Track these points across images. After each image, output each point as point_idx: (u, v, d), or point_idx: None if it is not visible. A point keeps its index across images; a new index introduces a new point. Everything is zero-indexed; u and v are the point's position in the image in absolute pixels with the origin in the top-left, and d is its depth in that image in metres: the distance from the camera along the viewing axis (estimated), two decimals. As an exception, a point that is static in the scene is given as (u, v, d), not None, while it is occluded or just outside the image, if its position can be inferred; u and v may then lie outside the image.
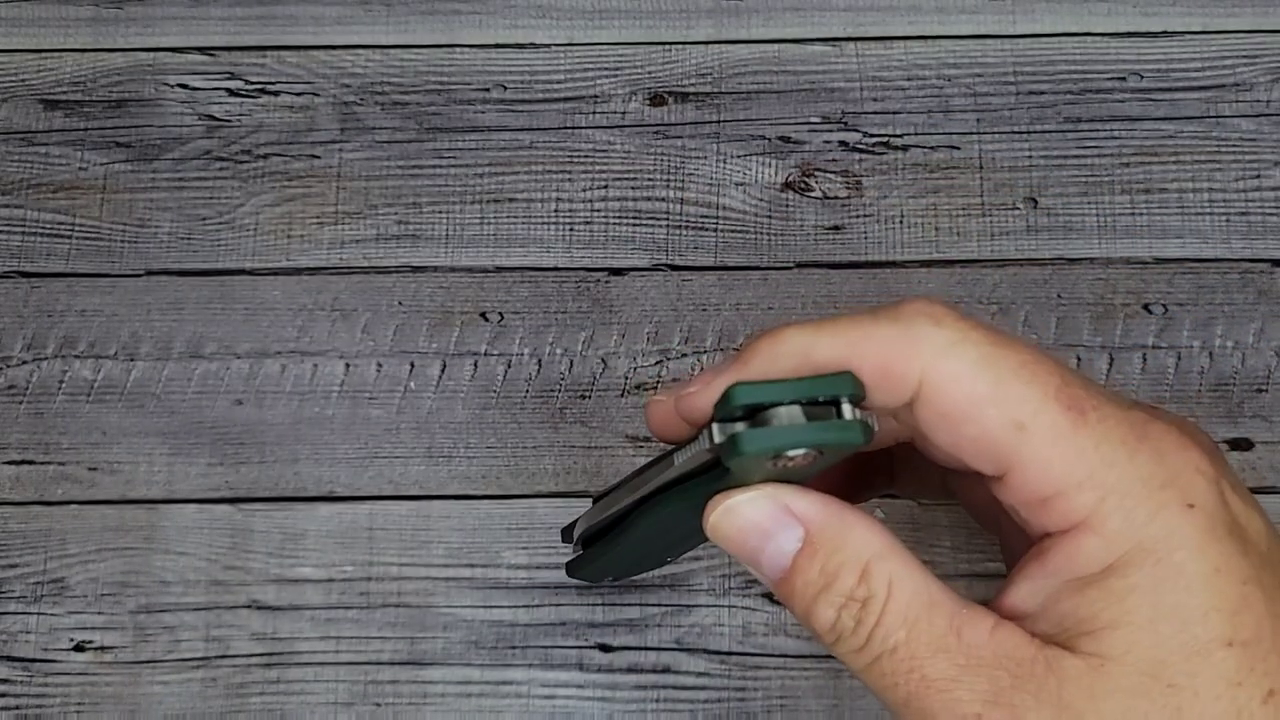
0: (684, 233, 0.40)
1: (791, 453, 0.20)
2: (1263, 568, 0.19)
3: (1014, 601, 0.21)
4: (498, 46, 0.43)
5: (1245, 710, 0.19)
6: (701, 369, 0.37)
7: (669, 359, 0.39)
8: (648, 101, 0.42)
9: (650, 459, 0.26)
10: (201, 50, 0.43)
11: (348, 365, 0.39)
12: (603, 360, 0.39)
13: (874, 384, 0.21)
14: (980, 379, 0.20)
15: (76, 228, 0.41)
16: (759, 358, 0.21)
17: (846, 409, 0.21)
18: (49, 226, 0.41)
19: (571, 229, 0.41)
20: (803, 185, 0.41)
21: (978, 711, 0.19)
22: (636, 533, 0.26)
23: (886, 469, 0.29)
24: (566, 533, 0.30)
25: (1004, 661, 0.19)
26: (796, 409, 0.20)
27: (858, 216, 0.41)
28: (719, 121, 0.42)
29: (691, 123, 0.42)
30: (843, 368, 0.21)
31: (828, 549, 0.21)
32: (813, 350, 0.21)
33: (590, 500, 0.29)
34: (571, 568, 0.31)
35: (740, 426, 0.21)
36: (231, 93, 0.42)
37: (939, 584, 0.21)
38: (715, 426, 0.21)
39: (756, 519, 0.21)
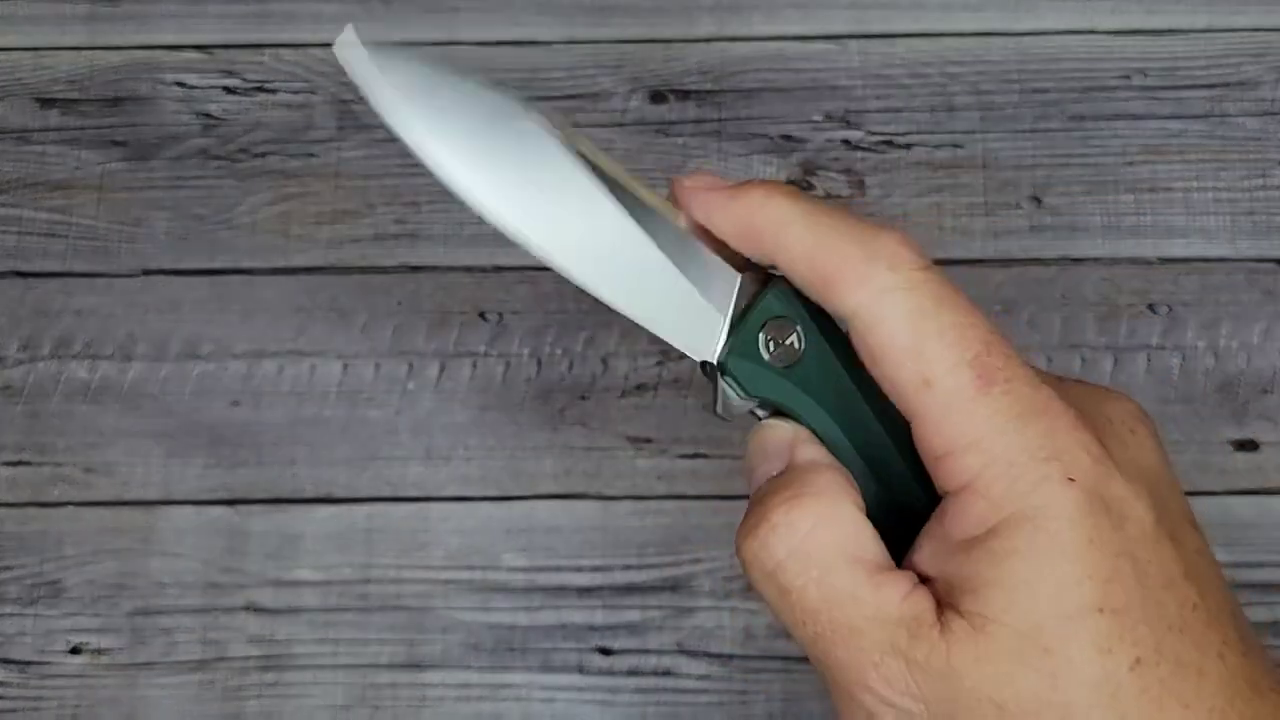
0: (685, 232, 0.40)
1: (774, 318, 0.23)
2: (1139, 544, 0.21)
3: (917, 561, 0.22)
4: (498, 44, 0.42)
5: (1113, 677, 0.20)
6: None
7: (669, 359, 0.39)
8: (649, 99, 0.42)
9: None
10: (198, 48, 0.43)
11: (345, 365, 0.39)
12: (603, 360, 0.39)
13: (818, 290, 0.22)
14: (903, 330, 0.21)
15: (73, 227, 0.41)
16: (749, 209, 0.23)
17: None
18: (45, 226, 0.41)
19: (571, 228, 0.40)
20: (805, 183, 0.41)
21: (875, 660, 0.21)
22: None
23: None
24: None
25: (908, 622, 0.21)
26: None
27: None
28: (720, 119, 0.41)
29: (693, 120, 0.41)
30: (802, 259, 0.22)
31: (788, 478, 0.23)
32: (787, 229, 0.22)
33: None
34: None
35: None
36: (228, 91, 0.42)
37: (875, 543, 0.22)
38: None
39: (766, 439, 0.23)
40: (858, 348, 0.22)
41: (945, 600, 0.21)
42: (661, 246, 0.23)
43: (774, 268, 0.23)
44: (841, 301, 0.22)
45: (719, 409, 0.23)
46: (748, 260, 0.23)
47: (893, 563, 0.22)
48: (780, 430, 0.23)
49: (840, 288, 0.22)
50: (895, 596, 0.21)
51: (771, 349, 0.23)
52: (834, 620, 0.21)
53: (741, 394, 0.23)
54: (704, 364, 0.23)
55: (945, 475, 0.21)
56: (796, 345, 0.23)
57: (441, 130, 0.23)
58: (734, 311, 0.23)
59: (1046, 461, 0.20)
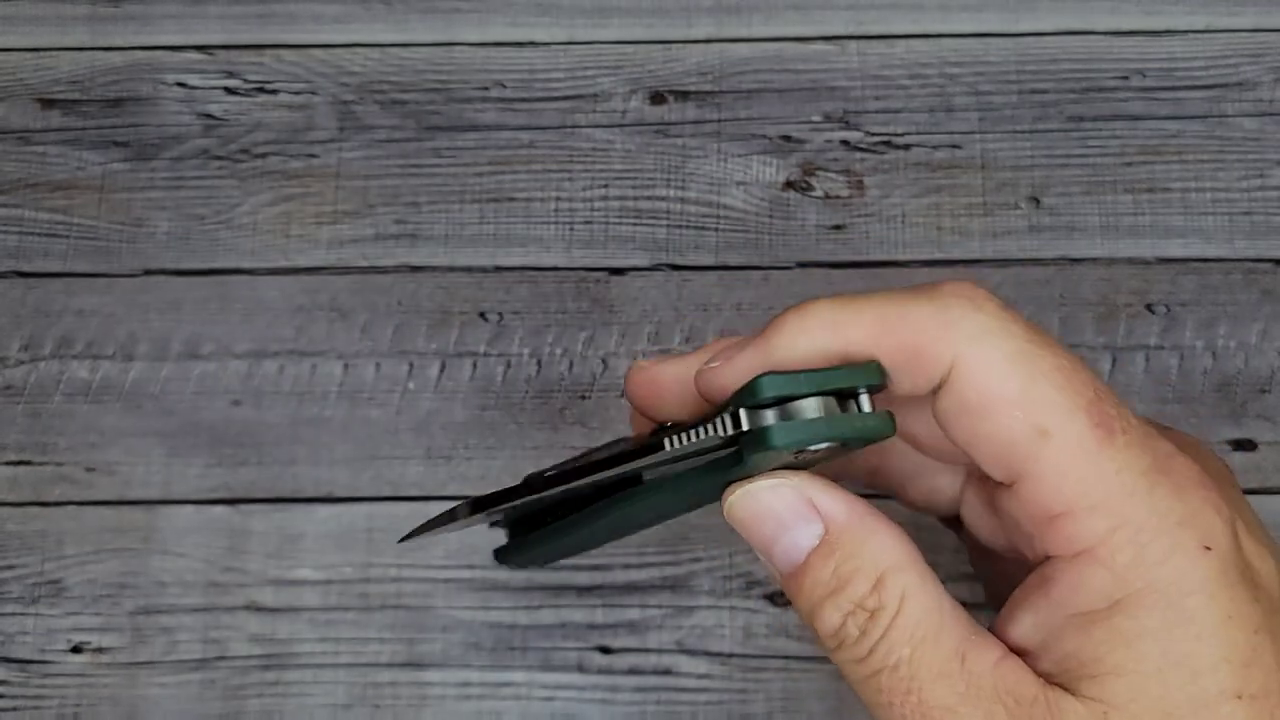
0: (684, 232, 0.40)
1: (814, 446, 0.20)
2: (1273, 614, 0.19)
3: (1016, 634, 0.20)
4: (497, 45, 0.43)
5: None
6: (713, 339, 0.36)
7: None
8: (648, 100, 0.42)
9: (603, 444, 0.25)
10: (199, 49, 0.43)
11: (346, 365, 0.39)
12: (603, 360, 0.39)
13: (903, 365, 0.20)
14: (1012, 374, 0.19)
15: (74, 227, 0.41)
16: (785, 334, 0.20)
17: (865, 400, 0.20)
18: (46, 226, 0.41)
19: (571, 228, 0.40)
20: (804, 184, 0.41)
21: None
22: (605, 517, 0.25)
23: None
24: (477, 505, 0.27)
25: (1004, 697, 0.19)
26: (822, 400, 0.20)
27: (859, 216, 0.40)
28: (720, 120, 0.41)
29: (692, 121, 0.41)
30: (872, 348, 0.20)
31: (845, 551, 0.20)
32: (842, 327, 0.20)
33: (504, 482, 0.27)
34: (502, 554, 0.29)
35: (770, 417, 0.20)
36: (229, 91, 0.42)
37: (953, 605, 0.20)
38: (744, 414, 0.20)
39: (777, 508, 0.21)
40: (950, 412, 0.19)
41: (1055, 679, 0.19)
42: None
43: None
44: (935, 361, 0.19)
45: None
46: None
47: (972, 621, 0.20)
48: (786, 492, 0.21)
49: (931, 346, 0.19)
50: (986, 664, 0.19)
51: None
52: (923, 701, 0.19)
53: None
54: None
55: (1059, 538, 0.19)
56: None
57: None
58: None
59: (1179, 527, 0.18)
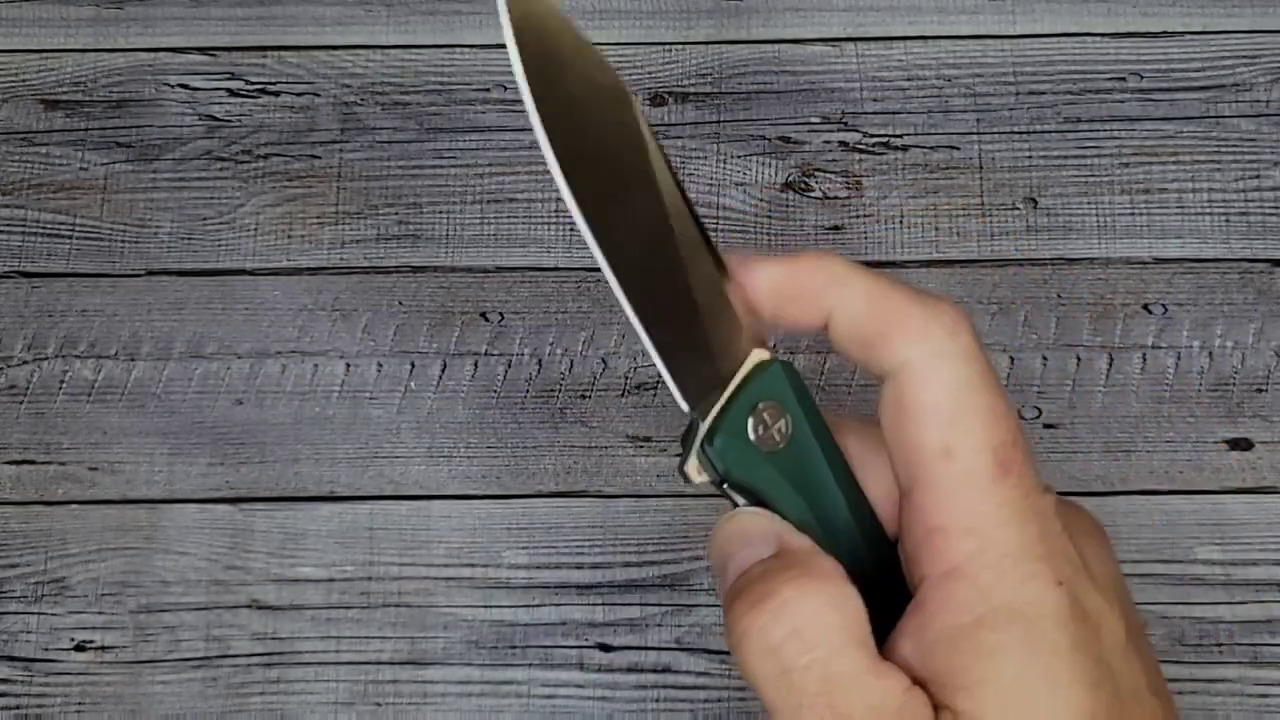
0: (684, 233, 0.40)
1: (761, 404, 0.22)
2: (1113, 654, 0.21)
3: (901, 648, 0.21)
4: (498, 46, 0.43)
5: None
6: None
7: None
8: (648, 101, 0.42)
9: None
10: (202, 50, 0.43)
11: (348, 365, 0.39)
12: (603, 360, 0.39)
13: (868, 346, 0.22)
14: (946, 396, 0.21)
15: (77, 228, 0.41)
16: (803, 266, 0.22)
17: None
18: (50, 227, 0.41)
19: (571, 228, 0.41)
20: (803, 185, 0.41)
21: None
22: None
23: None
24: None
25: (906, 716, 0.20)
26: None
27: (858, 216, 0.41)
28: (719, 122, 0.42)
29: (691, 123, 0.42)
30: (856, 320, 0.22)
31: (784, 561, 0.22)
32: (848, 283, 0.22)
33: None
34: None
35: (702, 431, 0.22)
36: (232, 93, 0.42)
37: (871, 636, 0.21)
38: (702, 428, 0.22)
39: (748, 527, 0.22)
40: (888, 401, 0.22)
41: (933, 691, 0.20)
42: (695, 286, 0.22)
43: (775, 350, 0.23)
44: (894, 352, 0.21)
45: (686, 468, 0.23)
46: (763, 341, 0.23)
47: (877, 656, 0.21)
48: (764, 519, 0.22)
49: (897, 339, 0.21)
50: (898, 688, 0.20)
51: (759, 431, 0.22)
52: (833, 705, 0.20)
53: (717, 469, 0.22)
54: (689, 424, 0.23)
55: (933, 552, 0.21)
56: (784, 430, 0.22)
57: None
58: (736, 382, 0.22)
59: (1039, 560, 0.20)
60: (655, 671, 0.37)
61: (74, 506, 0.38)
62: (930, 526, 0.21)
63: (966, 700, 0.20)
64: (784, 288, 0.22)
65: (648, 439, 0.39)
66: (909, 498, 0.21)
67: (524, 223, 0.41)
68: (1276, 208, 0.40)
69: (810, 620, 0.20)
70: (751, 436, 0.22)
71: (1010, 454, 0.21)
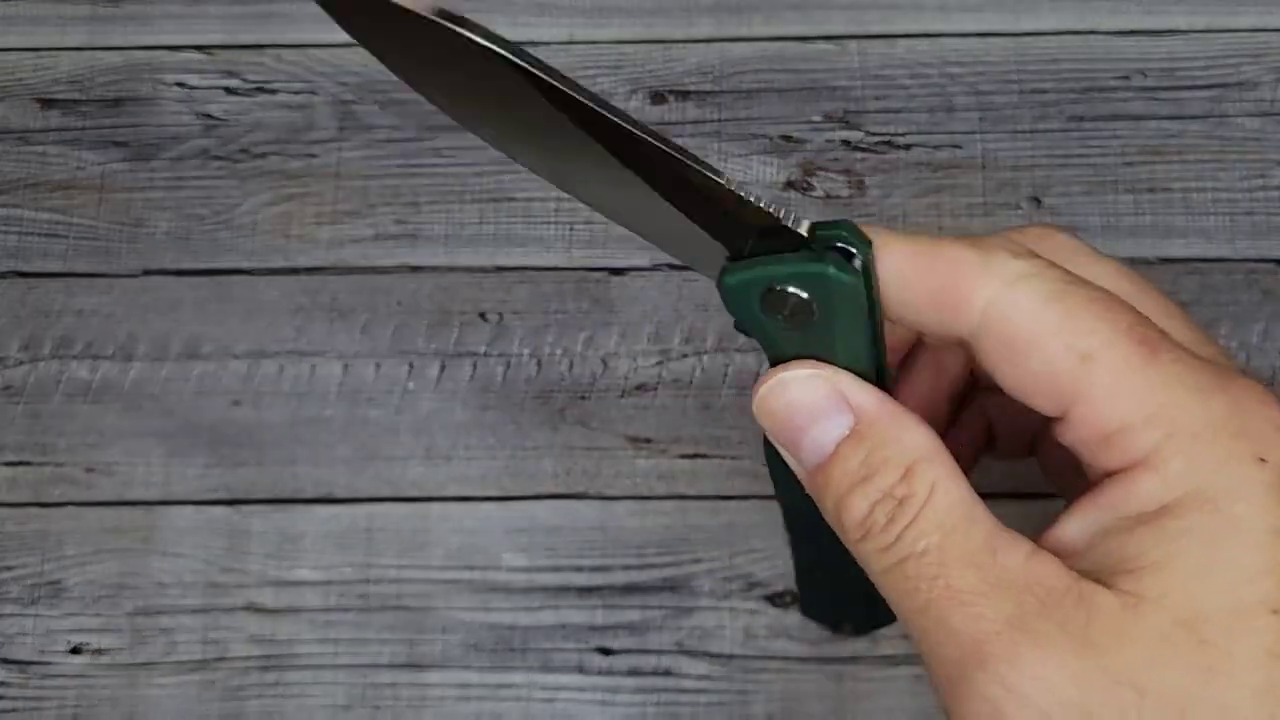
0: (685, 232, 0.40)
1: (782, 287, 0.20)
2: None
3: (1060, 536, 0.20)
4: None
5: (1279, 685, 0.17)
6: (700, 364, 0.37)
7: (669, 359, 0.39)
8: (649, 99, 0.42)
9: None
10: (199, 49, 0.43)
11: (346, 366, 0.39)
12: (603, 360, 0.39)
13: (937, 304, 0.20)
14: (1048, 309, 0.19)
15: (73, 227, 0.41)
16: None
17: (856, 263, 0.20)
18: (45, 226, 0.41)
19: (571, 228, 0.40)
20: (805, 184, 0.41)
21: (998, 630, 0.18)
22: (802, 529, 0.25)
23: (982, 432, 0.28)
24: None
25: (1034, 588, 0.18)
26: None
27: (860, 216, 0.40)
28: (720, 120, 0.41)
29: (692, 121, 0.41)
30: (915, 289, 0.20)
31: (875, 441, 0.20)
32: (886, 249, 0.20)
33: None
34: (804, 607, 0.33)
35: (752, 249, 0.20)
36: (229, 91, 0.42)
37: (982, 504, 0.20)
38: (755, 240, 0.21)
39: (808, 399, 0.21)
40: (993, 352, 0.20)
41: (1093, 575, 0.19)
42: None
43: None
44: (969, 304, 0.20)
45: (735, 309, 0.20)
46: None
47: (1003, 525, 0.20)
48: (821, 382, 0.21)
49: (963, 289, 0.20)
50: (1017, 558, 0.19)
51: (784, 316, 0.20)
52: (951, 586, 0.19)
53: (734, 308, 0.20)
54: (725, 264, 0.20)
55: (1114, 454, 0.19)
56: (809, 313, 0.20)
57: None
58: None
59: (1234, 438, 0.18)
60: (656, 675, 0.36)
61: (70, 508, 0.38)
62: (1105, 434, 0.19)
63: (1130, 582, 0.18)
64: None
65: (648, 440, 0.38)
66: (1070, 424, 0.20)
67: (523, 222, 0.41)
68: (1282, 207, 0.40)
69: (924, 507, 0.19)
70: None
71: (1147, 332, 0.19)
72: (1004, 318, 0.20)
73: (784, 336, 0.21)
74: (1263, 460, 0.18)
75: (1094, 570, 0.19)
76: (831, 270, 0.20)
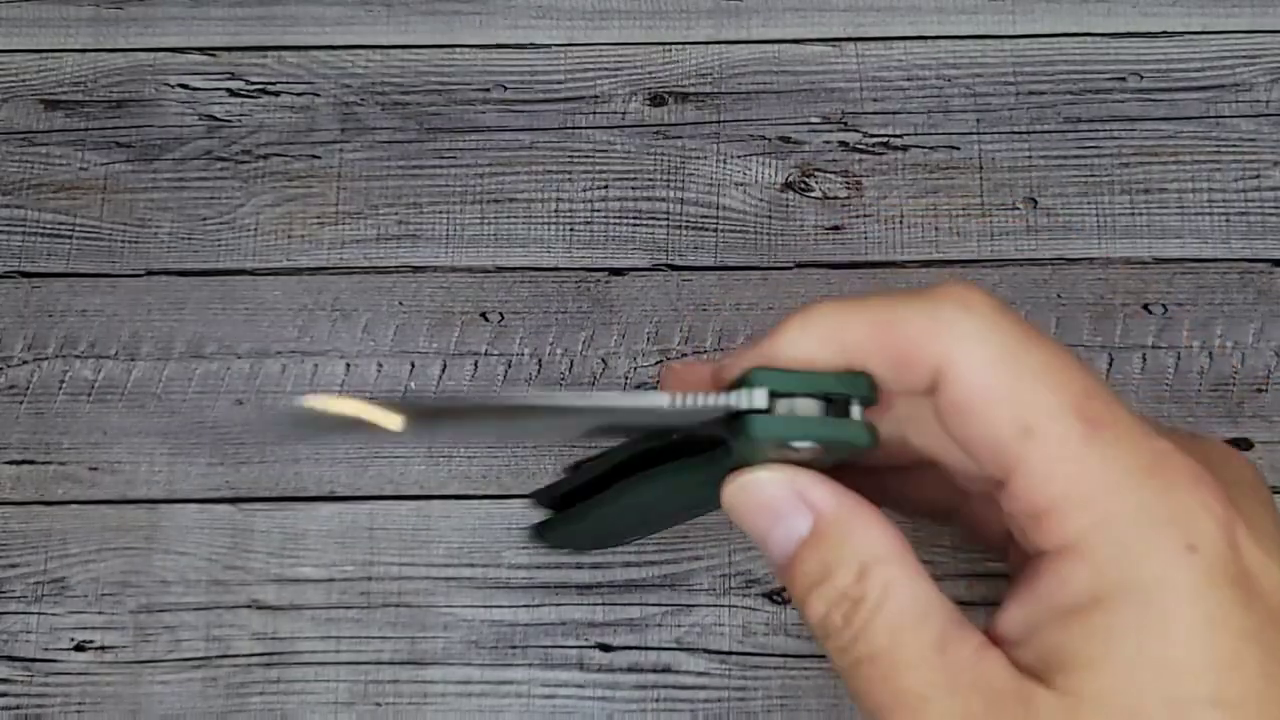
0: (684, 233, 0.41)
1: (797, 444, 0.20)
2: (1268, 624, 0.18)
3: (1003, 625, 0.20)
4: (498, 46, 0.43)
5: None
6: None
7: (669, 359, 0.39)
8: (648, 102, 0.42)
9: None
10: (202, 50, 0.43)
11: (348, 365, 0.40)
12: (603, 360, 0.39)
13: (895, 367, 0.20)
14: (997, 374, 0.19)
15: (77, 228, 0.41)
16: (788, 334, 0.21)
17: (855, 410, 0.21)
18: (50, 227, 0.41)
19: (572, 229, 0.41)
20: (803, 185, 0.41)
21: None
22: (618, 501, 0.26)
23: (897, 487, 0.28)
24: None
25: (981, 688, 0.18)
26: (812, 403, 0.20)
27: (857, 217, 0.41)
28: (719, 121, 0.42)
29: (691, 123, 0.42)
30: (867, 350, 0.20)
31: (831, 542, 0.20)
32: (842, 330, 0.20)
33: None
34: (537, 530, 0.31)
35: (758, 400, 0.20)
36: (232, 93, 0.42)
37: (938, 597, 0.20)
38: (733, 396, 0.21)
39: (770, 499, 0.21)
40: (943, 413, 0.20)
41: (1034, 671, 0.19)
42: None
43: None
44: (923, 364, 0.19)
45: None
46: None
47: (956, 612, 0.20)
48: (779, 483, 0.21)
49: (920, 348, 0.19)
50: (966, 655, 0.19)
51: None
52: (901, 690, 0.19)
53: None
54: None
55: (1044, 534, 0.19)
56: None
57: None
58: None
59: (1164, 525, 0.18)
60: (655, 671, 0.37)
61: (74, 506, 0.38)
62: (1036, 511, 0.19)
63: (1067, 681, 0.18)
64: (783, 354, 0.21)
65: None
66: (1008, 490, 0.19)
67: (524, 223, 0.41)
68: (1276, 208, 0.40)
69: (873, 611, 0.19)
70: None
71: (1093, 406, 0.19)
72: (954, 379, 0.19)
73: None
74: (1192, 548, 0.18)
75: (1035, 664, 0.19)
76: (867, 439, 0.20)
